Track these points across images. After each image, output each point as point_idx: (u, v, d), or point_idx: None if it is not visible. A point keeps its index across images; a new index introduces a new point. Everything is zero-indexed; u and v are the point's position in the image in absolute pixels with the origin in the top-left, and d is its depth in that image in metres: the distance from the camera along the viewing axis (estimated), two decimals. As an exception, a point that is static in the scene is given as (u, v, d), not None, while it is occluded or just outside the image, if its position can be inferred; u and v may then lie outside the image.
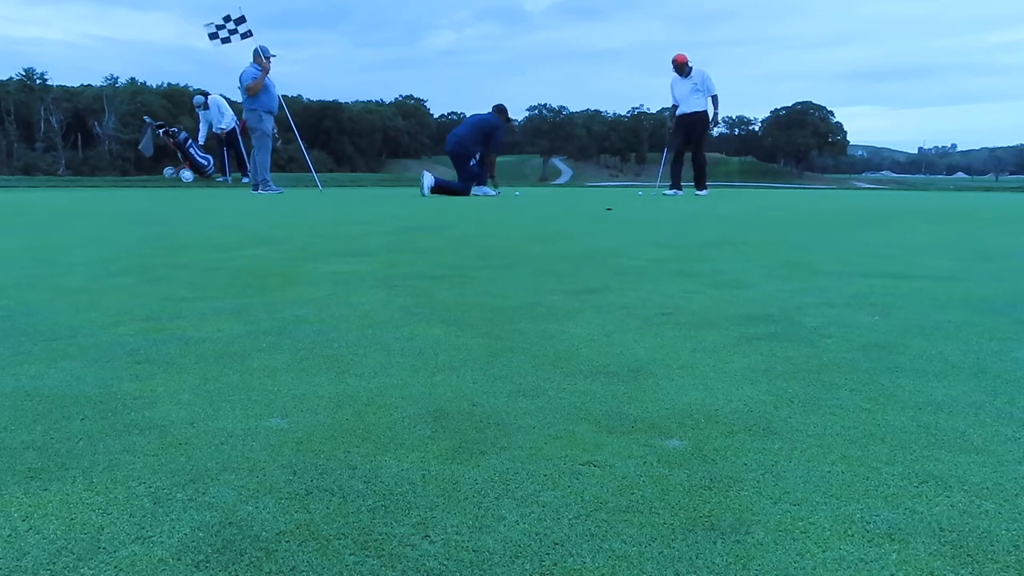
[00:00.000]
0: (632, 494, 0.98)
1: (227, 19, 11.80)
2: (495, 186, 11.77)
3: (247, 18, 11.75)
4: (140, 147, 17.09)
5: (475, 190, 10.97)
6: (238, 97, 11.28)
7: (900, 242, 4.24)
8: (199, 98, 15.42)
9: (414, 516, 0.92)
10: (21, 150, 65.24)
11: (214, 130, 15.17)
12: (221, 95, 15.45)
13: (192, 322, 2.02)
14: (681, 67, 11.08)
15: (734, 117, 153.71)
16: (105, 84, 74.52)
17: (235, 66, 11.69)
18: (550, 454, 1.12)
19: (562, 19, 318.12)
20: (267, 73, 10.84)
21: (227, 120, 14.90)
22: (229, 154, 15.35)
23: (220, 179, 15.43)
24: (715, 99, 11.07)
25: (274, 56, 11.12)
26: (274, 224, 5.33)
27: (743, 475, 1.04)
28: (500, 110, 11.05)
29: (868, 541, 0.86)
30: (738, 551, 0.84)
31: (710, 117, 11.11)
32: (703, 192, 11.59)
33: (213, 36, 11.89)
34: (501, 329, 1.94)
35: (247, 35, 11.77)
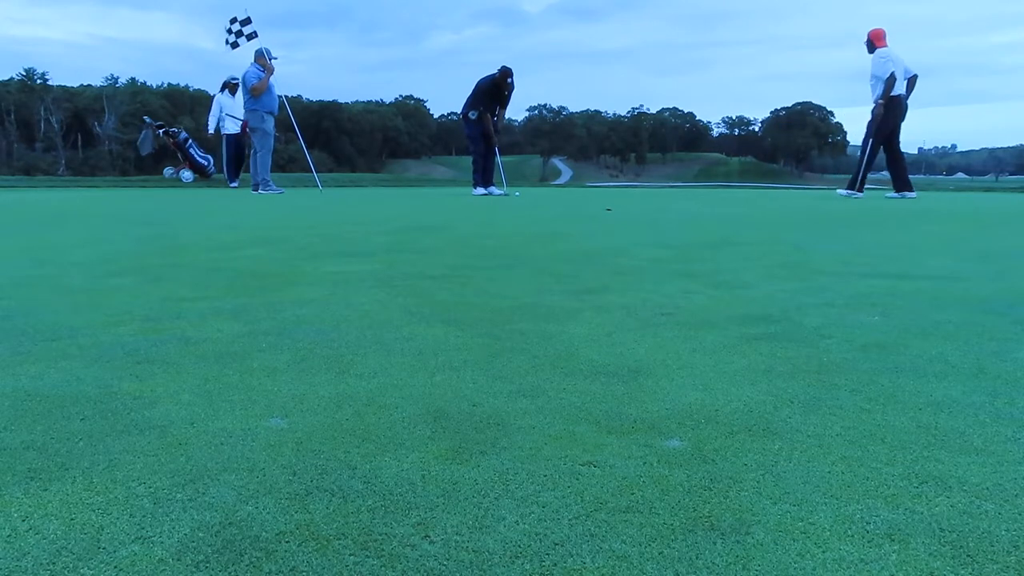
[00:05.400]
0: (632, 494, 0.98)
1: (233, 20, 11.81)
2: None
3: (252, 19, 11.77)
4: (138, 143, 16.85)
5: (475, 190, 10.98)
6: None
7: (900, 242, 4.24)
8: (235, 77, 13.14)
9: (414, 516, 0.92)
10: (21, 150, 65.28)
11: (222, 128, 13.71)
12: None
13: (192, 322, 2.02)
14: (868, 44, 9.61)
15: (734, 117, 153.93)
16: (105, 84, 74.59)
17: (236, 66, 11.70)
18: (550, 454, 1.12)
19: (560, 19, 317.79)
20: (271, 74, 10.86)
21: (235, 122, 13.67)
22: (233, 156, 14.01)
23: (220, 181, 14.52)
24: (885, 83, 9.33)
25: (276, 59, 11.14)
26: (274, 224, 5.33)
27: (743, 475, 1.04)
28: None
29: (868, 541, 0.86)
30: (738, 551, 0.84)
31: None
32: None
33: (234, 45, 11.85)
34: (501, 329, 1.94)
35: (252, 36, 11.78)
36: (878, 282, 2.71)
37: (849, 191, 9.93)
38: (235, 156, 13.83)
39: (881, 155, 9.99)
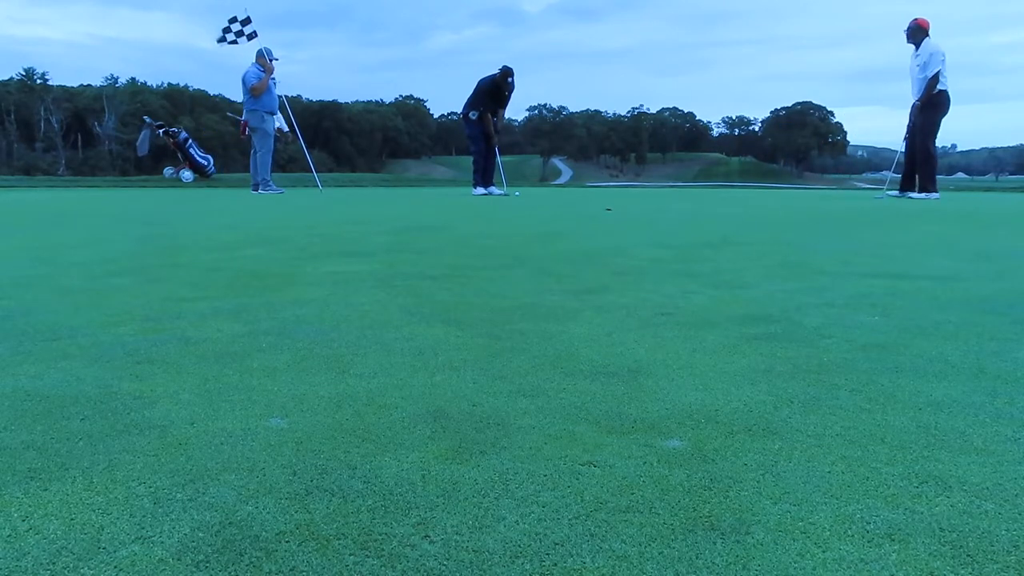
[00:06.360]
0: (632, 494, 0.98)
1: (233, 20, 11.78)
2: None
3: (252, 19, 11.74)
4: (137, 144, 16.72)
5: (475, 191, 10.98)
6: (238, 97, 11.29)
7: (900, 242, 4.24)
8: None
9: (414, 516, 0.92)
10: (21, 150, 65.34)
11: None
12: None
13: (192, 322, 2.02)
14: (911, 33, 9.31)
15: (734, 117, 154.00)
16: (105, 84, 74.67)
17: (237, 66, 11.64)
18: (550, 454, 1.12)
19: (560, 19, 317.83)
20: (271, 74, 10.87)
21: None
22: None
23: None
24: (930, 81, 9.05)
25: (277, 60, 11.13)
26: (274, 224, 5.33)
27: (743, 475, 1.04)
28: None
29: (868, 541, 0.86)
30: (738, 551, 0.84)
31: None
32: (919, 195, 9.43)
33: (221, 40, 11.77)
34: (501, 329, 1.94)
35: (252, 36, 11.76)
36: (878, 282, 2.71)
37: (927, 194, 9.52)
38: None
39: (898, 151, 9.93)
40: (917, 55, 9.31)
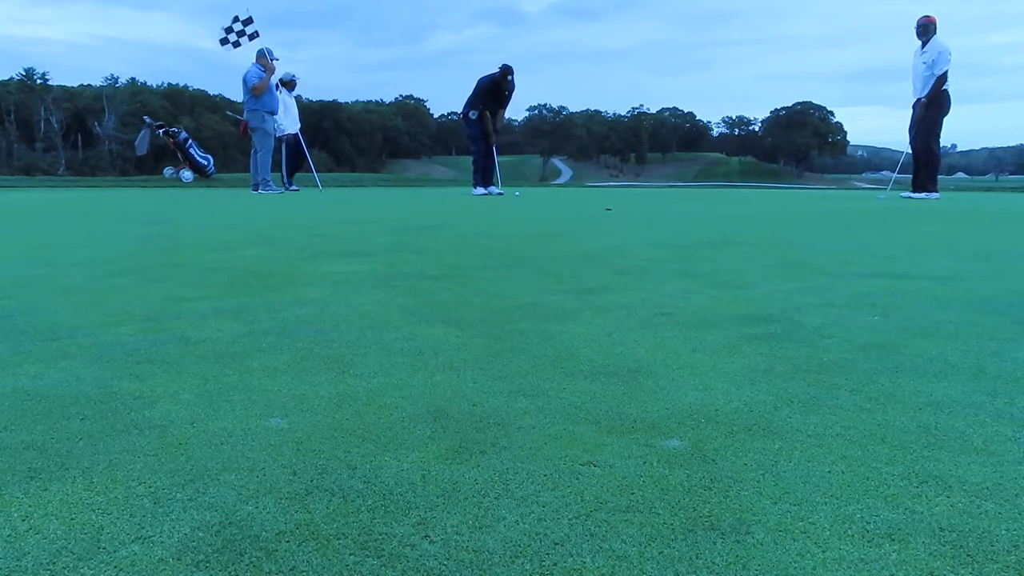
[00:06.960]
0: (632, 494, 0.98)
1: (235, 20, 11.77)
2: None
3: (254, 19, 11.73)
4: (135, 143, 16.74)
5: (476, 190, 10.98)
6: (239, 97, 11.29)
7: (900, 242, 4.24)
8: (288, 74, 12.13)
9: (414, 516, 0.92)
10: (21, 150, 65.33)
11: (278, 128, 11.60)
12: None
13: (192, 322, 2.02)
14: (921, 29, 9.32)
15: (734, 117, 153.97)
16: (105, 84, 74.70)
17: (237, 65, 11.64)
18: (550, 454, 1.12)
19: (560, 19, 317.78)
20: (272, 74, 10.87)
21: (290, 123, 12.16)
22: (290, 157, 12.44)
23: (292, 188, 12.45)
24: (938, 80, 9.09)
25: (278, 60, 11.13)
26: (274, 224, 5.33)
27: (743, 475, 1.04)
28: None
29: (868, 541, 0.86)
30: (738, 551, 0.84)
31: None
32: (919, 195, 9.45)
33: (224, 42, 11.73)
34: (501, 329, 1.94)
35: (254, 36, 11.75)
36: (878, 282, 2.71)
37: (927, 193, 9.53)
38: (290, 157, 12.51)
39: (903, 152, 9.92)
40: (924, 52, 9.30)
